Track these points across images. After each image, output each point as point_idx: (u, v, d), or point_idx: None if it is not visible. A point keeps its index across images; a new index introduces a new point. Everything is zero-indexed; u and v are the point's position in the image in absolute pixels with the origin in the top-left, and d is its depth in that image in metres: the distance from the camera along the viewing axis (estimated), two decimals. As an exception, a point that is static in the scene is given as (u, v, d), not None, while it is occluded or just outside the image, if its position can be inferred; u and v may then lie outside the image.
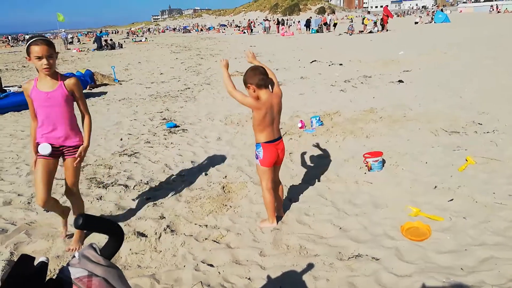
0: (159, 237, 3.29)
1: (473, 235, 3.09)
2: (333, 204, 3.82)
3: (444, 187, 3.91)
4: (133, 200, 4.05)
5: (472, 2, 76.22)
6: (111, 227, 1.17)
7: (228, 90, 3.13)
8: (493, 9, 49.73)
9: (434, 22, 35.36)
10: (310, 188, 4.18)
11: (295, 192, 4.10)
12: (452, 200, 3.66)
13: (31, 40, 2.72)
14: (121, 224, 3.53)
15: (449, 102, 7.09)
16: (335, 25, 33.70)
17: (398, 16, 63.95)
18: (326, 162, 4.84)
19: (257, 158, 3.27)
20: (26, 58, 2.79)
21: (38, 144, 2.93)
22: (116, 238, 1.18)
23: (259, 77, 3.04)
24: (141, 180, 4.52)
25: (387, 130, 5.85)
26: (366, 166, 4.49)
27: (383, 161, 4.56)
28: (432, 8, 74.25)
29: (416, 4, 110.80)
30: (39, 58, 2.71)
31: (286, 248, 3.14)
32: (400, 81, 9.40)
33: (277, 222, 3.46)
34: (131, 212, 3.79)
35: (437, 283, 2.52)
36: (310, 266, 2.86)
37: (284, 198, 3.97)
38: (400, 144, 5.19)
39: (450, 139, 5.27)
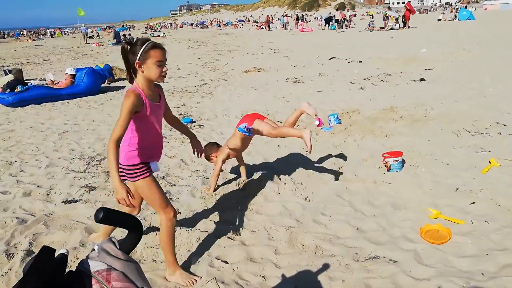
0: (175, 232, 3.29)
1: (495, 240, 2.99)
2: (351, 204, 3.76)
3: (466, 190, 3.80)
4: (150, 194, 4.07)
5: (498, -1, 73.95)
6: (131, 222, 1.18)
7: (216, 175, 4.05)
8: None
9: (458, 20, 34.41)
10: (327, 188, 4.13)
11: (311, 191, 4.05)
12: (474, 203, 3.54)
13: (151, 43, 2.35)
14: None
15: (472, 102, 6.88)
16: (337, 21, 32.76)
17: (420, 12, 62.55)
18: (343, 161, 4.77)
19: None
20: (136, 63, 2.33)
21: (147, 163, 2.58)
22: (135, 233, 1.18)
23: (213, 146, 4.13)
24: (157, 174, 4.53)
25: (408, 130, 5.72)
26: (385, 166, 4.39)
27: (403, 162, 4.46)
28: (456, 5, 72.37)
29: (440, 1, 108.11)
30: (161, 64, 2.37)
31: (302, 247, 3.10)
32: (422, 79, 9.19)
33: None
34: (147, 206, 3.80)
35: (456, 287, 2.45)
36: (325, 266, 2.82)
37: (299, 196, 3.94)
38: (420, 144, 5.07)
39: (473, 140, 5.11)
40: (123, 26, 52.64)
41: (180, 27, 73.09)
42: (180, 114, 7.26)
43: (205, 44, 24.93)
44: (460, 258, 2.81)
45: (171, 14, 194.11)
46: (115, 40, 29.06)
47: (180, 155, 5.16)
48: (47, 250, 1.01)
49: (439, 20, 35.93)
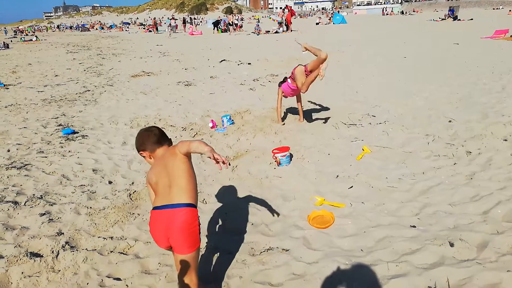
0: (57, 256, 2.97)
1: (370, 218, 3.37)
2: (246, 201, 3.86)
3: (344, 176, 4.21)
4: (25, 217, 3.60)
5: (365, 5, 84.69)
6: None
7: None
8: (386, 13, 55.15)
9: (333, 23, 38.09)
10: (223, 187, 4.17)
11: (208, 192, 4.05)
12: (352, 187, 3.95)
13: None
14: (10, 245, 3.11)
15: (347, 97, 7.68)
16: (229, 24, 33.78)
17: (301, 17, 67.56)
18: (237, 161, 4.87)
19: None
20: None
21: None
22: None
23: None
24: (34, 194, 4.03)
25: (294, 126, 6.11)
26: (275, 161, 4.62)
27: (291, 156, 4.75)
28: (331, 10, 79.92)
29: (317, 6, 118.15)
30: None
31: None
32: (304, 78, 9.90)
33: None
34: (22, 232, 3.36)
35: (340, 266, 2.69)
36: (223, 265, 2.84)
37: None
38: (305, 138, 5.47)
39: (348, 131, 5.70)
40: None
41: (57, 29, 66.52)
42: (60, 125, 6.56)
43: (86, 48, 23.06)
44: (342, 238, 3.10)
45: (45, 16, 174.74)
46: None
47: (60, 170, 4.65)
48: None
49: (317, 24, 39.27)
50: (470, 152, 4.50)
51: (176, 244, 2.15)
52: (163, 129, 2.51)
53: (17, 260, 2.91)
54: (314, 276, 2.64)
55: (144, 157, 2.43)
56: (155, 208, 2.21)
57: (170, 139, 2.48)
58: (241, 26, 34.15)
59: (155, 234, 2.22)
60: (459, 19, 30.21)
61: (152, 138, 2.37)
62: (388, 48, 15.26)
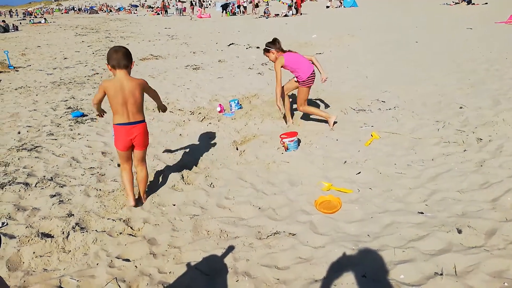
0: (67, 237, 3.03)
1: (378, 204, 3.37)
2: (252, 185, 3.87)
3: (352, 162, 4.19)
4: (36, 199, 3.66)
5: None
6: None
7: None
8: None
9: (344, 7, 37.33)
10: (229, 172, 4.19)
11: (216, 177, 4.07)
12: (359, 173, 3.94)
13: None
14: (22, 226, 3.18)
15: (356, 82, 7.58)
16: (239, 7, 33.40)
17: (311, 0, 66.28)
18: (245, 145, 4.87)
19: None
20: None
21: None
22: None
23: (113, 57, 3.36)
24: (44, 176, 4.09)
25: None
26: (283, 146, 4.61)
27: (299, 141, 4.73)
28: (342, -7, 77.81)
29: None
30: None
31: (207, 233, 3.11)
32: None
33: (136, 204, 3.51)
34: (33, 213, 3.43)
35: (347, 251, 2.70)
36: (230, 249, 2.87)
37: (203, 183, 3.92)
38: (313, 124, 5.43)
39: (357, 116, 5.65)
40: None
41: (65, 12, 66.33)
42: (69, 108, 6.62)
43: (95, 31, 23.03)
44: (349, 223, 3.11)
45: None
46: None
47: (70, 153, 4.71)
48: None
49: (327, 7, 38.53)
50: (480, 139, 4.44)
51: (139, 144, 3.37)
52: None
53: (28, 240, 2.97)
54: (320, 260, 2.66)
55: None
56: (124, 124, 3.24)
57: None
58: (256, 6, 33.73)
59: (124, 141, 3.30)
60: (473, 3, 29.42)
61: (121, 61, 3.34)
62: (399, 32, 14.95)
